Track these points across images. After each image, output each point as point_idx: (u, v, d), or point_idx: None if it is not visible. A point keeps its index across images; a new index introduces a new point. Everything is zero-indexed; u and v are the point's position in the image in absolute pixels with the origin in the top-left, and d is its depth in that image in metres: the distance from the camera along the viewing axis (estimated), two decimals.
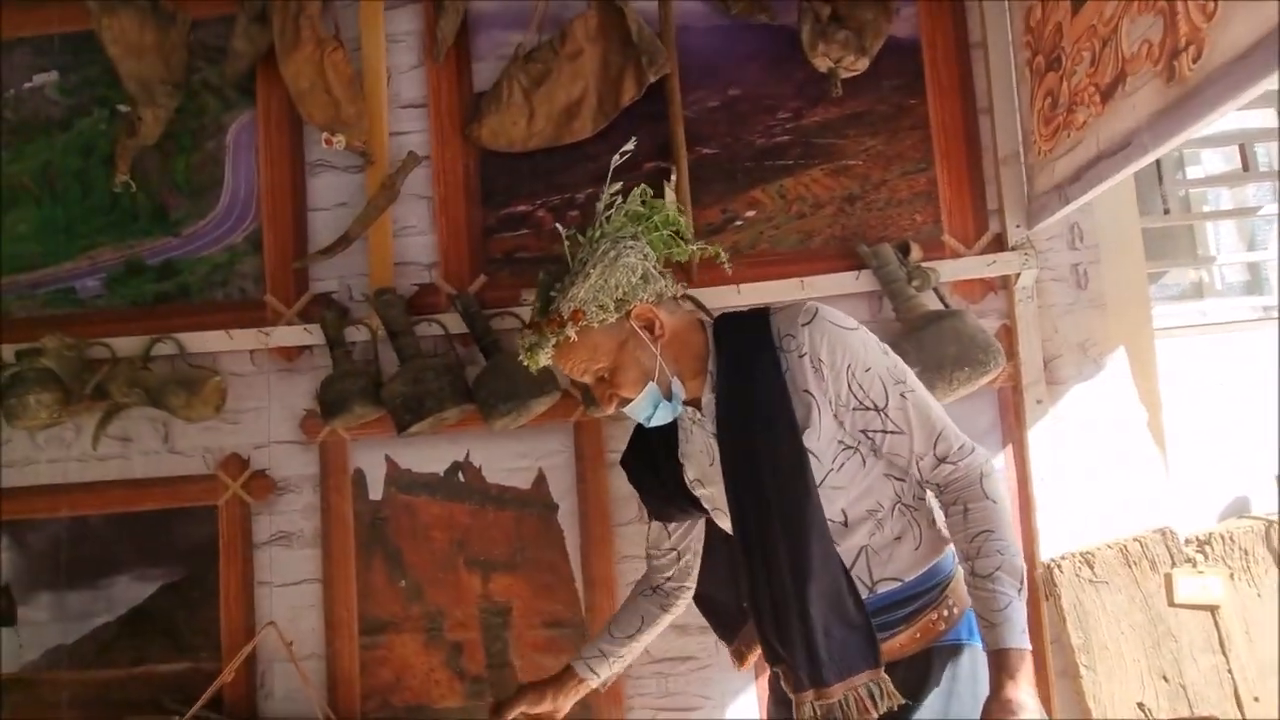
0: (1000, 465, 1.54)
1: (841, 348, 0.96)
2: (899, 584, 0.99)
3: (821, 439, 0.96)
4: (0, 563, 1.66)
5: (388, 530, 1.61)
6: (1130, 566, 1.43)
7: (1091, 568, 1.43)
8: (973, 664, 0.98)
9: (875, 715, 0.93)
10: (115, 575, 1.64)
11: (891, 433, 0.97)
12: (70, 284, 1.69)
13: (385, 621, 1.59)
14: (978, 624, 0.93)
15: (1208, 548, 1.44)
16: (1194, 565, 1.42)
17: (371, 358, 1.58)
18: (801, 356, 0.96)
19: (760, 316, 1.02)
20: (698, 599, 1.28)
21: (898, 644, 0.99)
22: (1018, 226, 1.53)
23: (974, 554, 0.93)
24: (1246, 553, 1.43)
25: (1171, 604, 1.41)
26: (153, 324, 1.63)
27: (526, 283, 1.59)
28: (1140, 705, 1.38)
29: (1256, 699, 1.38)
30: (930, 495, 1.04)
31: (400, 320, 1.53)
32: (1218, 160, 1.85)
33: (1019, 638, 0.88)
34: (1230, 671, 1.39)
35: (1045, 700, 1.46)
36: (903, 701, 0.95)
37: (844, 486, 0.98)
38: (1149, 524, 1.47)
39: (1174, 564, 1.42)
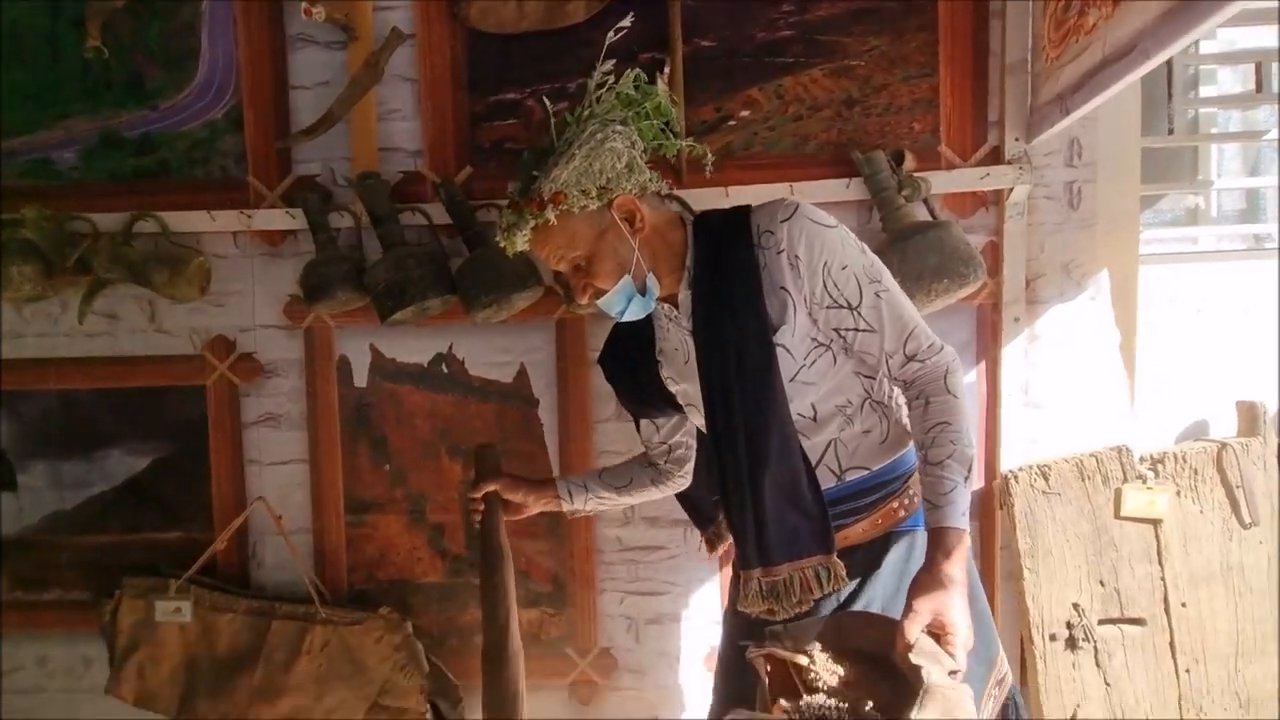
0: (971, 380, 1.58)
1: (819, 245, 0.96)
2: (866, 472, 1.03)
3: (795, 335, 0.98)
4: None
5: (372, 416, 1.65)
6: (1084, 480, 1.49)
7: (1046, 479, 1.49)
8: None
9: (817, 595, 0.99)
10: (108, 448, 1.70)
11: (863, 330, 0.99)
12: (46, 154, 1.64)
13: (370, 502, 1.66)
14: (923, 507, 0.97)
15: (1160, 466, 1.49)
16: (1144, 482, 1.48)
17: (355, 244, 1.57)
18: (779, 253, 0.96)
19: (740, 214, 1.02)
20: (677, 495, 1.34)
21: (859, 529, 1.04)
22: (1016, 139, 1.49)
23: (929, 443, 0.96)
24: (1196, 472, 1.49)
25: (1117, 516, 1.48)
26: (133, 200, 1.60)
27: (513, 174, 1.55)
28: (1075, 605, 1.48)
29: (1184, 604, 1.48)
30: (897, 392, 1.07)
31: (384, 206, 1.51)
32: (1234, 82, 1.78)
33: (959, 519, 0.92)
34: (1164, 579, 1.48)
35: (990, 600, 1.57)
36: (850, 585, 1.02)
37: (815, 382, 1.00)
38: (1109, 443, 1.52)
39: (1125, 480, 1.48)
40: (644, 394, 1.16)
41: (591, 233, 0.99)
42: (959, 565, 0.90)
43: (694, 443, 1.24)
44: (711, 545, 1.35)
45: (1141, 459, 1.51)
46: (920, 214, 1.47)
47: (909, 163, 1.47)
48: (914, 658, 0.82)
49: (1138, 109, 1.56)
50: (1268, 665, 1.48)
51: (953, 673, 0.82)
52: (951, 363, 1.00)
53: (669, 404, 1.14)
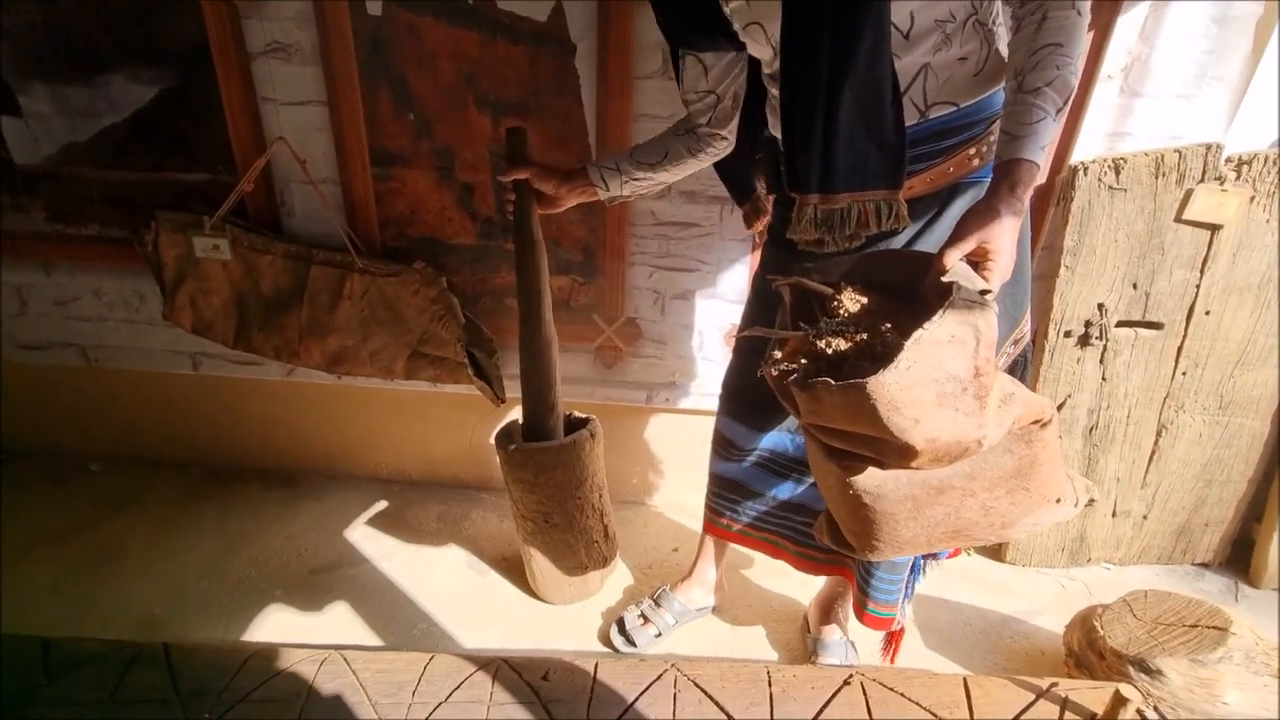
0: None
1: None
2: (953, 109, 0.93)
3: None
4: None
5: (390, 53, 1.49)
6: (1158, 177, 1.39)
7: (1117, 174, 1.39)
8: None
9: (873, 230, 0.95)
10: (108, 74, 1.57)
11: None
12: None
13: (395, 154, 1.59)
14: (1000, 138, 0.86)
15: (1245, 168, 1.38)
16: (1221, 183, 1.38)
17: None
18: None
19: None
20: (716, 166, 1.25)
21: (929, 177, 0.97)
22: None
23: (1030, 67, 0.83)
24: None
25: (1178, 219, 1.41)
26: None
27: None
28: (1100, 306, 1.50)
29: (1208, 312, 1.50)
30: (1004, 15, 0.92)
31: None
32: None
33: (1036, 153, 0.82)
34: (1198, 286, 1.47)
35: None
36: (912, 226, 0.97)
37: None
38: (1203, 140, 1.39)
39: (1203, 180, 1.38)
40: (692, 12, 1.00)
41: None
42: (1022, 199, 0.83)
43: (742, 93, 1.12)
44: (749, 220, 1.32)
45: (1228, 160, 1.39)
46: None
47: None
48: (947, 279, 0.79)
49: None
50: (1263, 374, 1.55)
51: (984, 292, 0.78)
52: None
53: (721, 30, 0.99)
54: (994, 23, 0.92)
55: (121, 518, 1.86)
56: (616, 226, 1.61)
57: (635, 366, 1.79)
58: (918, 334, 0.68)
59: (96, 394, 1.98)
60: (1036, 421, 0.82)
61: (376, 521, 1.88)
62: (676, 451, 1.91)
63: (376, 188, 1.62)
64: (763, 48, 0.99)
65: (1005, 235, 0.82)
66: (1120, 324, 1.52)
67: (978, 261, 0.83)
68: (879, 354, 0.74)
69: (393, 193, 1.63)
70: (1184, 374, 1.56)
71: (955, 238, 0.82)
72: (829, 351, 0.77)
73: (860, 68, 0.85)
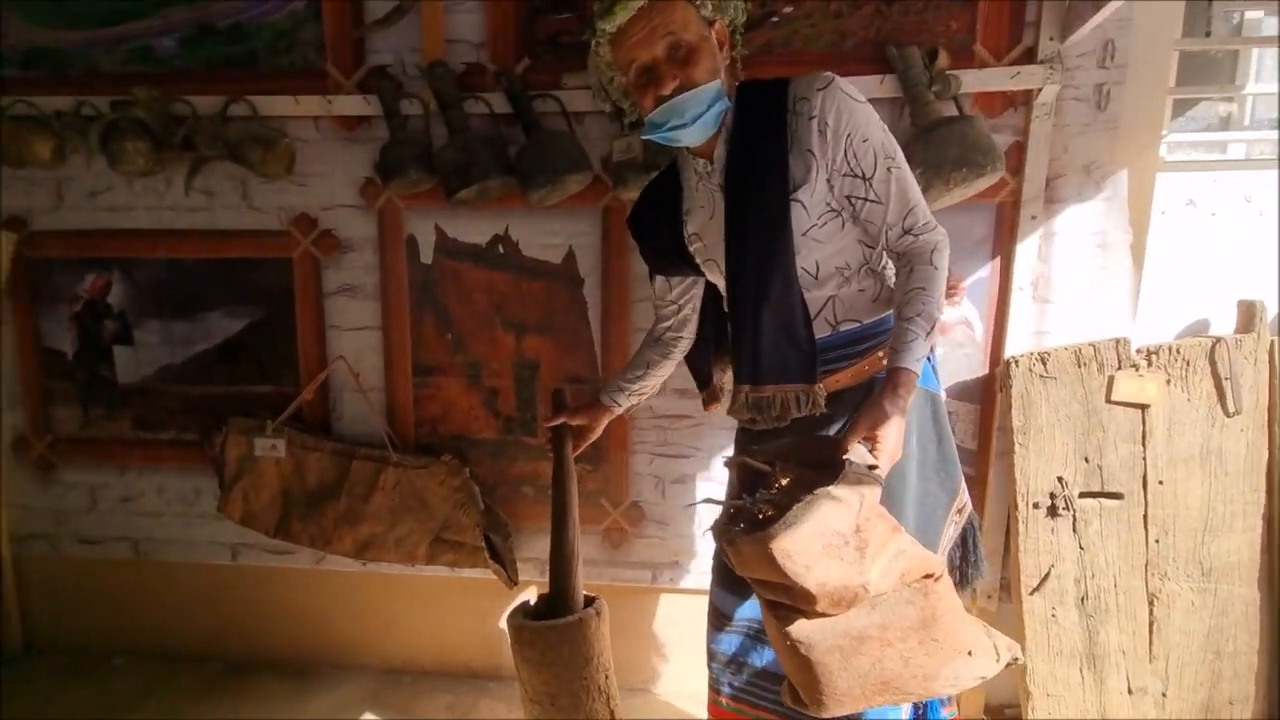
0: (984, 275, 1.70)
1: (848, 116, 1.08)
2: (858, 325, 1.19)
3: (813, 196, 1.11)
4: (116, 293, 1.97)
5: (437, 291, 1.86)
6: (1080, 367, 1.62)
7: (1045, 365, 1.62)
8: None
9: (795, 414, 1.15)
10: (210, 311, 1.95)
11: (871, 201, 1.12)
12: (148, 42, 1.82)
13: (433, 366, 1.89)
14: (888, 353, 1.10)
15: (1154, 357, 1.61)
16: (1137, 370, 1.60)
17: (424, 130, 1.73)
18: (811, 119, 1.08)
19: (780, 82, 1.13)
20: (686, 362, 1.50)
21: (849, 374, 1.20)
22: (1051, 39, 1.55)
23: (904, 302, 1.10)
24: (1188, 364, 1.61)
25: (1108, 400, 1.61)
26: (225, 86, 1.78)
27: (568, 67, 1.68)
28: (1060, 479, 1.64)
29: (1161, 482, 1.63)
30: (889, 263, 1.21)
31: (451, 94, 1.66)
32: None
33: (912, 363, 1.05)
34: (1145, 459, 1.63)
35: (983, 473, 1.74)
36: (825, 411, 1.16)
37: (823, 241, 1.14)
38: (1110, 335, 1.64)
39: (1120, 368, 1.61)
40: (666, 250, 1.29)
41: (700, 29, 1.09)
42: (903, 398, 1.04)
43: (699, 304, 1.39)
44: (706, 403, 1.51)
45: (1138, 350, 1.62)
46: (949, 111, 1.55)
47: (942, 60, 1.55)
48: (847, 458, 0.97)
49: (1179, 11, 1.58)
50: (1233, 540, 1.63)
51: (872, 467, 0.95)
52: (940, 240, 1.13)
53: (686, 263, 1.29)
54: (882, 268, 1.20)
55: (140, 710, 1.89)
56: (619, 420, 1.83)
57: (640, 546, 1.91)
58: (808, 498, 0.87)
59: (134, 587, 2.11)
60: (929, 576, 0.95)
61: (386, 712, 1.88)
62: (683, 635, 1.94)
63: (416, 393, 1.91)
64: (717, 277, 1.28)
65: (890, 426, 1.01)
66: (1083, 494, 1.65)
67: (872, 447, 1.01)
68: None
69: (428, 397, 1.91)
70: (1157, 541, 1.64)
71: (851, 428, 1.03)
72: (759, 516, 0.94)
73: (775, 297, 1.12)
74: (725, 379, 1.45)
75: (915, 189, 1.14)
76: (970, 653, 0.94)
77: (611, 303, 1.79)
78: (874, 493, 0.91)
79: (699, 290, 1.39)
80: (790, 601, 0.89)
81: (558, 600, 1.56)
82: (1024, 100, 1.60)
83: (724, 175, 1.16)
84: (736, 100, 1.15)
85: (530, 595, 1.60)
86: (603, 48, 1.15)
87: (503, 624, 1.65)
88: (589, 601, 1.63)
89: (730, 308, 1.20)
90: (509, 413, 1.89)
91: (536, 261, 1.82)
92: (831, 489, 0.88)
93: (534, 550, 1.92)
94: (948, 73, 1.54)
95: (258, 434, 1.87)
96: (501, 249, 1.82)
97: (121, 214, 1.92)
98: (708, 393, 1.47)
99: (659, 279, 1.39)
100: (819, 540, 0.85)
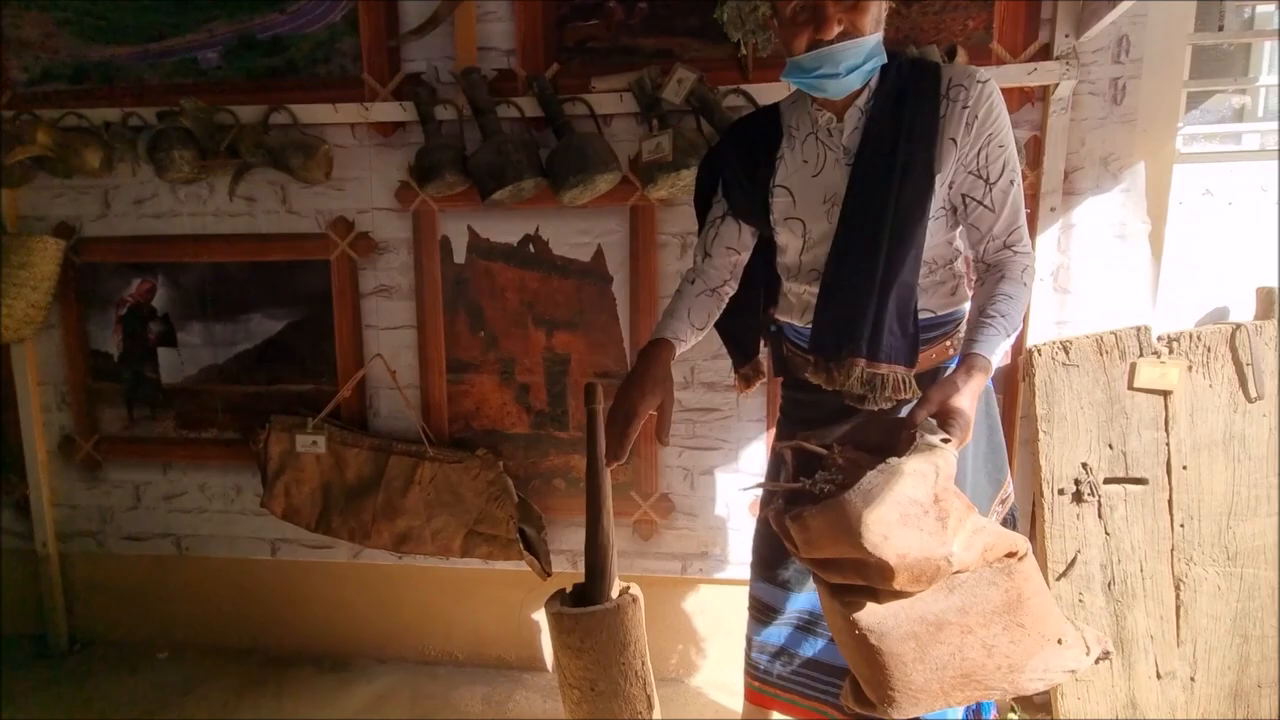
0: None
1: (996, 115, 1.07)
2: (931, 315, 1.20)
3: (941, 185, 1.10)
4: (160, 296, 2.04)
5: (469, 290, 1.91)
6: (1102, 355, 1.65)
7: (1067, 353, 1.66)
8: None
9: (902, 396, 1.14)
10: (251, 312, 2.02)
11: (985, 207, 1.11)
12: (192, 55, 1.90)
13: (467, 363, 1.95)
14: (964, 342, 1.10)
15: (1175, 344, 1.64)
16: (1158, 357, 1.63)
17: (458, 134, 1.79)
18: (964, 108, 1.06)
19: (933, 64, 1.11)
20: (719, 327, 1.36)
21: (920, 361, 1.20)
22: (1066, 36, 1.59)
23: (990, 300, 1.09)
24: (1209, 350, 1.63)
25: (1130, 387, 1.64)
26: (266, 96, 1.85)
27: (596, 71, 1.74)
28: (1084, 465, 1.67)
29: (1185, 467, 1.66)
30: (967, 269, 1.22)
31: (484, 99, 1.72)
32: None
33: (987, 350, 1.04)
34: (1168, 445, 1.65)
35: (1009, 459, 1.77)
36: (919, 395, 1.14)
37: (931, 234, 1.13)
38: (1131, 323, 1.67)
39: (1141, 355, 1.64)
40: (746, 194, 1.22)
41: None
42: (977, 380, 1.03)
43: (747, 257, 1.30)
44: (746, 382, 1.44)
45: (1159, 338, 1.65)
46: None
47: (961, 58, 1.59)
48: (919, 428, 0.92)
49: (1192, 6, 1.62)
50: (1258, 524, 1.65)
51: (945, 440, 0.89)
52: (1032, 264, 1.14)
53: (756, 214, 1.22)
54: (959, 265, 1.23)
55: (185, 704, 1.94)
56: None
57: (669, 538, 1.95)
58: (881, 465, 0.83)
59: (177, 583, 2.17)
60: (1011, 554, 0.91)
61: (424, 703, 1.93)
62: (715, 625, 1.98)
63: (449, 389, 1.96)
64: (795, 239, 1.20)
65: (962, 399, 1.00)
66: (1107, 480, 1.67)
67: (943, 422, 1.01)
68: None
69: (462, 393, 1.96)
70: (1182, 526, 1.67)
71: (922, 401, 1.02)
72: (819, 493, 0.91)
73: (904, 278, 1.10)
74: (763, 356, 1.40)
75: (1024, 210, 1.14)
76: (1060, 641, 0.87)
77: (639, 299, 1.84)
78: (949, 464, 0.83)
79: (749, 242, 1.30)
80: (863, 580, 0.82)
81: (594, 587, 1.60)
82: (1041, 96, 1.65)
83: (860, 139, 1.11)
84: (883, 68, 1.08)
85: (565, 587, 1.64)
86: None
87: (539, 613, 1.70)
88: (623, 590, 1.68)
89: (831, 285, 1.15)
90: (541, 407, 1.94)
91: (566, 260, 1.87)
92: (905, 459, 0.82)
93: (567, 543, 1.96)
94: None
95: (299, 431, 1.93)
96: (532, 248, 1.88)
97: (166, 220, 2.00)
98: (750, 367, 1.41)
99: (733, 225, 1.27)
100: (896, 509, 0.78)
